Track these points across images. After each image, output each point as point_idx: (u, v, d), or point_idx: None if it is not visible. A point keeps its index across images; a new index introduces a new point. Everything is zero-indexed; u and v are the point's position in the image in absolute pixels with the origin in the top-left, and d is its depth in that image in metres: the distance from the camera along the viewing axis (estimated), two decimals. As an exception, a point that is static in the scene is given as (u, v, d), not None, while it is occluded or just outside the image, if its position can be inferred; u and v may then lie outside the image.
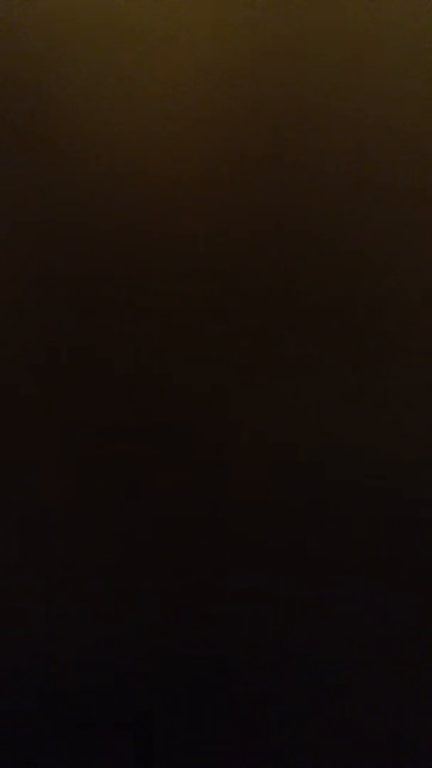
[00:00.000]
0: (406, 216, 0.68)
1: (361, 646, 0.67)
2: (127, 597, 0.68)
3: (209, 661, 0.68)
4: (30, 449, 0.68)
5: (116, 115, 0.68)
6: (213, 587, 0.68)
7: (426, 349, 0.68)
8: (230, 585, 0.68)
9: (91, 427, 0.68)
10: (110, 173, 0.68)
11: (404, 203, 0.68)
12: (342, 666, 0.67)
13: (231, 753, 0.67)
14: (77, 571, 0.67)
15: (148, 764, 0.67)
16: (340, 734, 0.67)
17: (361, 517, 0.67)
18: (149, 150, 0.68)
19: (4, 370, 0.68)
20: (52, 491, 0.68)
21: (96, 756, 0.68)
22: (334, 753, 0.67)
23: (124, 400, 0.68)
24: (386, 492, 0.68)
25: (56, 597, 0.67)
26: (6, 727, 0.67)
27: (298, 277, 0.68)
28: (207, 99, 0.68)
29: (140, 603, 0.68)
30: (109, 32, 0.68)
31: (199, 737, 0.67)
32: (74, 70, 0.68)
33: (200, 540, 0.68)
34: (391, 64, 0.68)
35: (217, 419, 0.68)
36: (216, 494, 0.67)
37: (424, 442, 0.68)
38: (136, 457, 0.68)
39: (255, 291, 0.68)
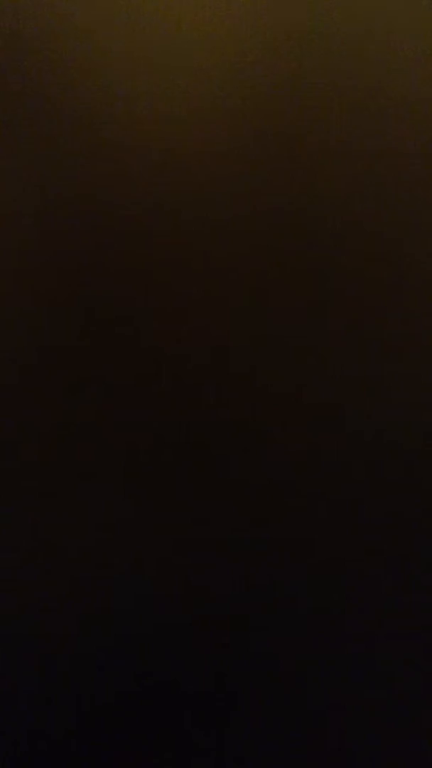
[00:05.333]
0: (409, 205, 0.68)
1: (364, 646, 0.67)
2: (131, 594, 0.67)
3: (212, 660, 0.68)
4: (28, 444, 0.68)
5: (116, 110, 0.68)
6: (211, 586, 0.68)
7: (427, 340, 0.68)
8: (231, 582, 0.68)
9: (93, 420, 0.68)
10: (111, 165, 0.68)
11: (406, 194, 0.68)
12: (342, 666, 0.67)
13: (231, 754, 0.67)
14: (81, 570, 0.67)
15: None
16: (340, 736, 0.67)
17: (364, 507, 0.67)
18: (149, 143, 0.68)
19: (6, 364, 0.68)
20: (54, 488, 0.68)
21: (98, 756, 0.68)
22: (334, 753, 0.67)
23: (128, 390, 0.68)
24: (389, 482, 0.68)
25: (58, 596, 0.67)
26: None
27: (298, 266, 0.68)
28: (207, 90, 0.68)
29: (142, 602, 0.68)
30: (109, 23, 0.68)
31: (198, 737, 0.67)
32: (75, 60, 0.68)
33: (201, 536, 0.68)
34: (392, 60, 0.68)
35: (216, 411, 0.68)
36: (216, 488, 0.67)
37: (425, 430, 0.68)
38: (137, 452, 0.68)
39: (257, 278, 0.68)
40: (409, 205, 0.69)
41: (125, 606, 0.67)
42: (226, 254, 0.68)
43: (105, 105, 0.68)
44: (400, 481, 0.68)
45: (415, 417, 0.68)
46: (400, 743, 0.67)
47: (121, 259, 0.68)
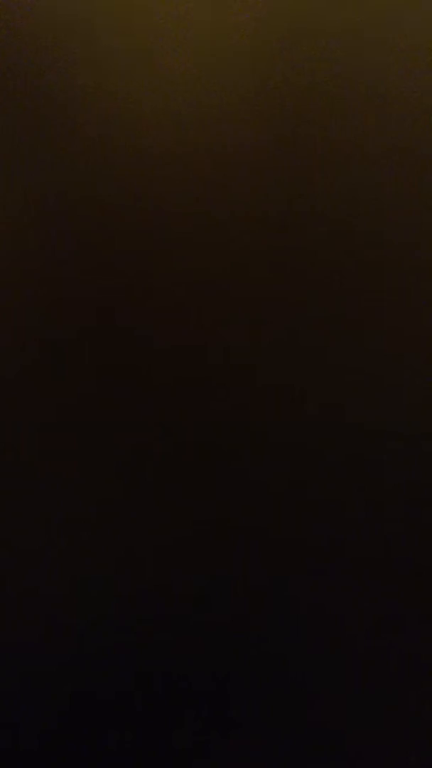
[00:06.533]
0: (410, 205, 0.68)
1: (364, 644, 0.67)
2: (134, 588, 0.68)
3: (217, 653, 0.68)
4: (34, 440, 0.68)
5: (115, 110, 0.68)
6: (211, 585, 0.68)
7: (426, 329, 0.68)
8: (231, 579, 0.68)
9: (97, 416, 0.68)
10: (111, 165, 0.68)
11: (407, 195, 0.68)
12: (342, 666, 0.67)
13: (231, 753, 0.67)
14: (83, 569, 0.67)
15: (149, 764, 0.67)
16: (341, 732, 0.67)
17: (362, 497, 0.67)
18: (149, 143, 0.68)
19: (11, 355, 0.68)
20: (62, 485, 0.68)
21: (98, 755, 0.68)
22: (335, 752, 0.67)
23: (128, 390, 0.68)
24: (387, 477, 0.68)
25: (57, 595, 0.67)
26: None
27: (299, 266, 0.68)
28: (208, 90, 0.68)
29: (147, 598, 0.68)
30: (110, 23, 0.68)
31: (199, 737, 0.67)
32: (75, 59, 0.68)
33: (200, 534, 0.68)
34: (392, 60, 0.68)
35: (216, 410, 0.68)
36: (216, 488, 0.67)
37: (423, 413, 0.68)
38: (136, 452, 0.68)
39: (258, 278, 0.68)
40: (411, 206, 0.69)
41: (124, 604, 0.67)
42: (227, 254, 0.68)
43: (105, 105, 0.68)
44: (401, 481, 0.68)
45: (415, 417, 0.68)
46: (400, 742, 0.67)
47: (121, 257, 0.68)
